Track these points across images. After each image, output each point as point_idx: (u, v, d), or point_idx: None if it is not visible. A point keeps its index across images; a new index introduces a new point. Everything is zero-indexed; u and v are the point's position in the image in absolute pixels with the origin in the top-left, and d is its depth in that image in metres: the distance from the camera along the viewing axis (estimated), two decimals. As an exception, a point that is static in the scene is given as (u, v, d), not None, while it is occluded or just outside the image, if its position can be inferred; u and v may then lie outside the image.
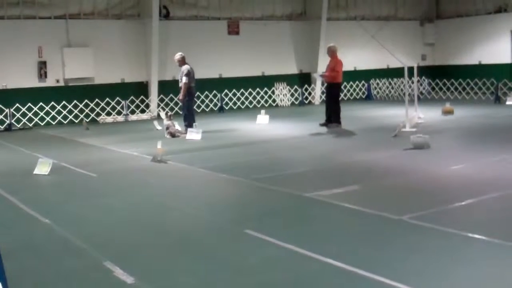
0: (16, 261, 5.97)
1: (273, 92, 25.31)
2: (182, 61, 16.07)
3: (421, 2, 29.73)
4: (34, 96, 20.29)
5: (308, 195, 8.46)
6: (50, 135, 17.82)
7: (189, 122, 15.97)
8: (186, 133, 15.55)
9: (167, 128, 15.74)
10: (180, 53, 16.42)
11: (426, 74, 27.15)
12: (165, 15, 22.81)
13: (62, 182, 10.54)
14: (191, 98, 16.27)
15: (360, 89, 27.19)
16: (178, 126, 16.01)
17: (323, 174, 10.33)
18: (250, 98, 24.52)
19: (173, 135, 15.55)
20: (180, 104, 17.14)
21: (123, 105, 21.54)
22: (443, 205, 7.63)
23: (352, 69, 26.12)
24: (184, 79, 15.69)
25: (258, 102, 24.63)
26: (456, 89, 25.06)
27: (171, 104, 22.48)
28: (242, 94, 24.32)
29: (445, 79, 25.73)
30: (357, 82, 26.93)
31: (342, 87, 18.00)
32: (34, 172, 10.96)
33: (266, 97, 25.00)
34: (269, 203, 8.34)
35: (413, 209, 7.45)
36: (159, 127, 17.56)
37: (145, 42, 22.13)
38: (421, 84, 26.55)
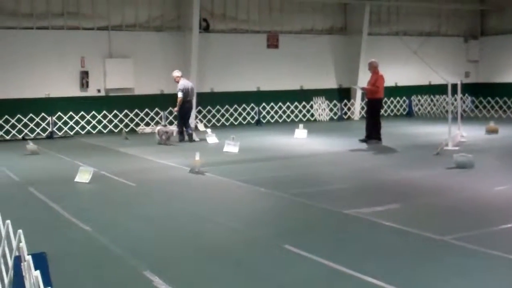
0: (58, 267, 5.96)
1: (311, 107, 25.19)
2: (179, 78, 17.82)
3: (466, 18, 29.31)
4: (76, 105, 20.61)
5: (347, 212, 8.32)
6: (90, 144, 18.03)
7: (180, 130, 17.92)
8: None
9: (158, 133, 17.14)
10: (177, 70, 18.25)
11: (469, 92, 26.70)
12: (205, 28, 22.95)
13: (102, 190, 10.64)
14: (184, 111, 17.80)
15: (401, 106, 26.91)
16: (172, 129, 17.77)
17: (362, 191, 10.16)
18: (288, 112, 24.44)
19: (167, 137, 17.00)
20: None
21: (161, 116, 21.69)
22: (487, 227, 7.42)
23: (393, 85, 25.84)
24: (179, 94, 17.39)
25: (296, 116, 24.54)
26: (500, 107, 24.54)
27: (209, 116, 22.62)
28: (280, 107, 24.26)
29: (489, 97, 25.21)
30: (398, 98, 26.66)
31: (382, 103, 17.73)
32: (75, 180, 11.09)
33: (304, 111, 24.90)
34: (308, 219, 8.23)
35: (456, 229, 7.26)
36: (197, 139, 17.68)
37: (185, 54, 22.27)
38: (464, 102, 26.09)
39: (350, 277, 5.68)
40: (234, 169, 12.39)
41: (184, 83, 17.73)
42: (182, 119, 17.92)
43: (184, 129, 17.84)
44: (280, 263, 6.21)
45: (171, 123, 21.76)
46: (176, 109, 17.76)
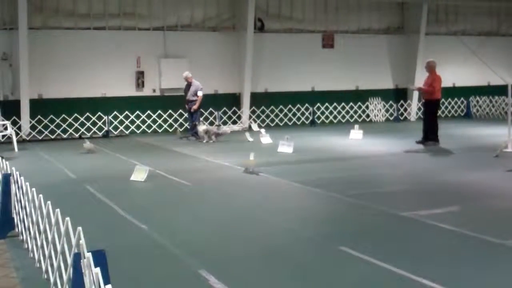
0: (115, 265, 5.99)
1: (367, 107, 24.89)
2: (192, 78, 18.47)
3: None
4: (132, 104, 20.93)
5: (405, 214, 8.15)
6: (145, 143, 18.28)
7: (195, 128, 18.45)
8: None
9: (207, 132, 17.59)
10: (188, 71, 18.76)
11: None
12: (260, 27, 22.97)
13: (158, 189, 10.74)
14: (199, 109, 18.94)
15: (459, 107, 26.32)
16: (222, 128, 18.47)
17: (420, 193, 9.95)
18: (343, 112, 24.22)
19: (217, 134, 17.67)
20: (189, 114, 18.97)
21: (215, 115, 21.81)
22: (551, 232, 7.15)
23: (451, 85, 25.29)
24: (200, 93, 18.17)
25: (351, 116, 24.29)
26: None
27: (263, 116, 22.61)
28: (335, 108, 24.06)
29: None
30: (455, 99, 26.10)
31: (440, 104, 17.34)
32: (131, 178, 11.22)
33: (359, 111, 24.62)
34: (364, 221, 8.08)
35: (517, 234, 7.03)
36: (251, 139, 17.71)
37: (239, 54, 22.35)
38: (524, 103, 25.32)
39: (409, 280, 5.55)
40: (289, 170, 12.31)
41: (199, 82, 18.42)
42: (197, 119, 18.63)
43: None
44: (335, 265, 6.13)
45: (225, 123, 21.90)
46: (195, 107, 18.25)
